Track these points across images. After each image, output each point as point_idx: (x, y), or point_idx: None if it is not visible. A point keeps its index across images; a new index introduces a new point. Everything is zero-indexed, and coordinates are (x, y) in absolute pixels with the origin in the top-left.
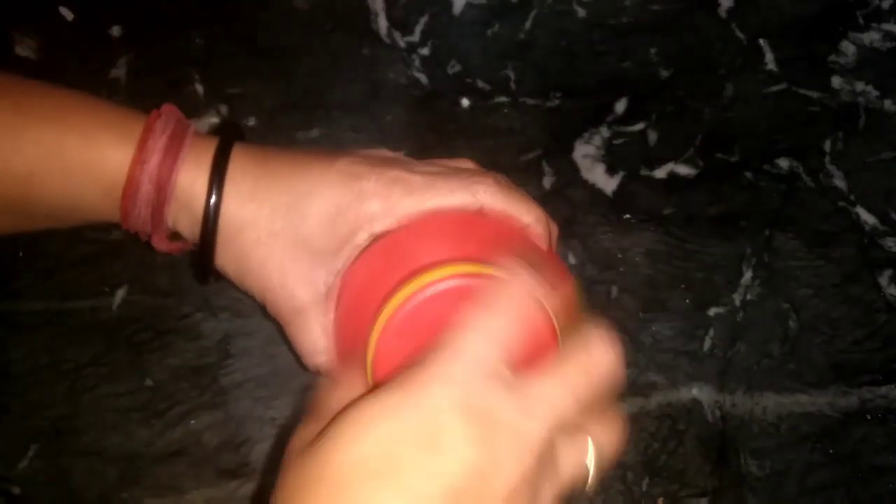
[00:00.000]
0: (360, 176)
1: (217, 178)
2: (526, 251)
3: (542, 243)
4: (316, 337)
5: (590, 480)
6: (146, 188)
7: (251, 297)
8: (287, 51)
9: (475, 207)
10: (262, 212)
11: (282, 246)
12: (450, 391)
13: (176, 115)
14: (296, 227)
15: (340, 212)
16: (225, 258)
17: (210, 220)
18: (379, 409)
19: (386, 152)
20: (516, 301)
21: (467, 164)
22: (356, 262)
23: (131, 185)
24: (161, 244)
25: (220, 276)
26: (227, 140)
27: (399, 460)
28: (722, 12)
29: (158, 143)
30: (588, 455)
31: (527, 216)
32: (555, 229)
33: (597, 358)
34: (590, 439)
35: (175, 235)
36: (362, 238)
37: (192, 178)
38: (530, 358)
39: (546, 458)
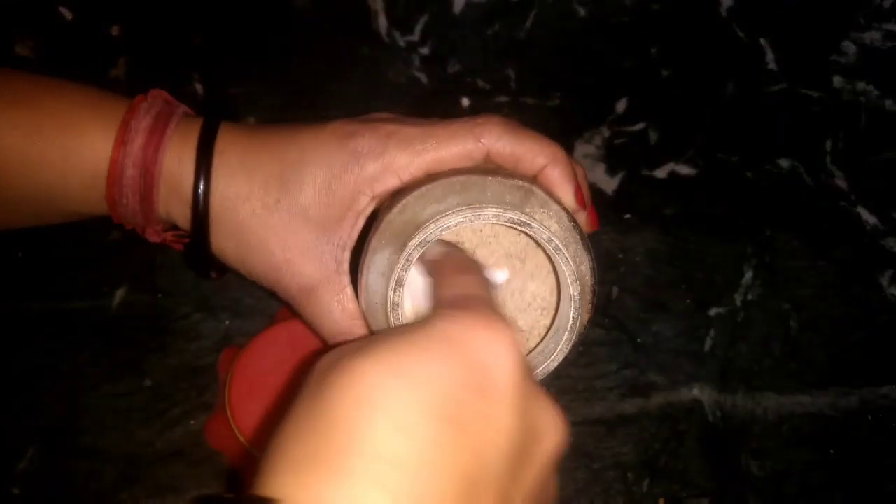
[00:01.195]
0: (354, 134)
1: (204, 151)
2: None
3: (564, 184)
4: (336, 317)
5: None
6: (131, 173)
7: (256, 283)
8: (287, 51)
9: (481, 153)
10: (255, 183)
11: (280, 218)
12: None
13: (163, 97)
14: (292, 197)
15: (337, 176)
16: (222, 239)
17: (200, 197)
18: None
19: (381, 114)
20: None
21: None
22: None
23: (115, 169)
24: (155, 236)
25: (221, 270)
26: (213, 115)
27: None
28: (722, 12)
29: (142, 124)
30: None
31: (541, 157)
32: (580, 169)
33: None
34: None
35: (172, 230)
36: (364, 203)
37: (178, 158)
38: None
39: None
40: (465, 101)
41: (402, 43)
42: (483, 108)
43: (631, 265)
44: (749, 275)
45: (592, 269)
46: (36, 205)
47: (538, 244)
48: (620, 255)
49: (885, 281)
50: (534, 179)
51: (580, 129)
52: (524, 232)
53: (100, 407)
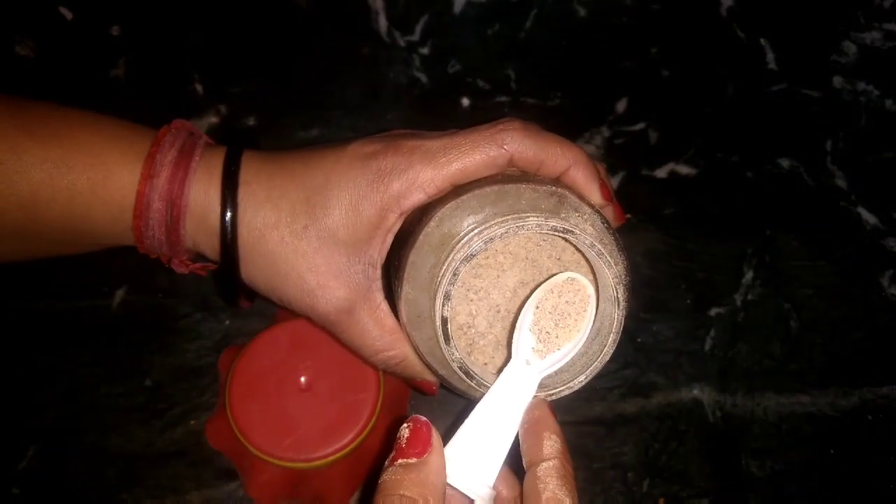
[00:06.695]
0: (376, 154)
1: (229, 184)
2: None
3: (590, 183)
4: (374, 335)
5: None
6: (157, 206)
7: (288, 309)
8: (287, 51)
9: (504, 159)
10: (282, 212)
11: (309, 244)
12: None
13: (187, 128)
14: (320, 222)
15: (363, 196)
16: (252, 269)
17: (228, 228)
18: None
19: (399, 130)
20: None
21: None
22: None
23: (141, 202)
24: (182, 267)
25: (251, 297)
26: (236, 145)
27: None
28: (722, 12)
29: (168, 157)
30: None
31: (563, 159)
32: (601, 167)
33: None
34: None
35: (198, 259)
36: (392, 220)
37: (204, 190)
38: None
39: None
40: (465, 101)
41: (402, 43)
42: (483, 107)
43: (631, 265)
44: (749, 275)
45: (627, 268)
46: (63, 235)
47: (578, 250)
48: None
49: (885, 281)
50: (559, 182)
51: (580, 129)
52: (566, 239)
53: (100, 407)
